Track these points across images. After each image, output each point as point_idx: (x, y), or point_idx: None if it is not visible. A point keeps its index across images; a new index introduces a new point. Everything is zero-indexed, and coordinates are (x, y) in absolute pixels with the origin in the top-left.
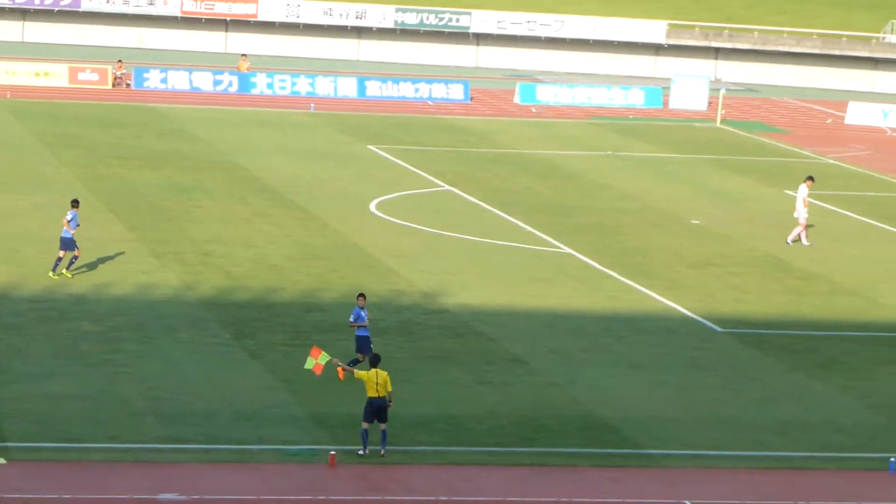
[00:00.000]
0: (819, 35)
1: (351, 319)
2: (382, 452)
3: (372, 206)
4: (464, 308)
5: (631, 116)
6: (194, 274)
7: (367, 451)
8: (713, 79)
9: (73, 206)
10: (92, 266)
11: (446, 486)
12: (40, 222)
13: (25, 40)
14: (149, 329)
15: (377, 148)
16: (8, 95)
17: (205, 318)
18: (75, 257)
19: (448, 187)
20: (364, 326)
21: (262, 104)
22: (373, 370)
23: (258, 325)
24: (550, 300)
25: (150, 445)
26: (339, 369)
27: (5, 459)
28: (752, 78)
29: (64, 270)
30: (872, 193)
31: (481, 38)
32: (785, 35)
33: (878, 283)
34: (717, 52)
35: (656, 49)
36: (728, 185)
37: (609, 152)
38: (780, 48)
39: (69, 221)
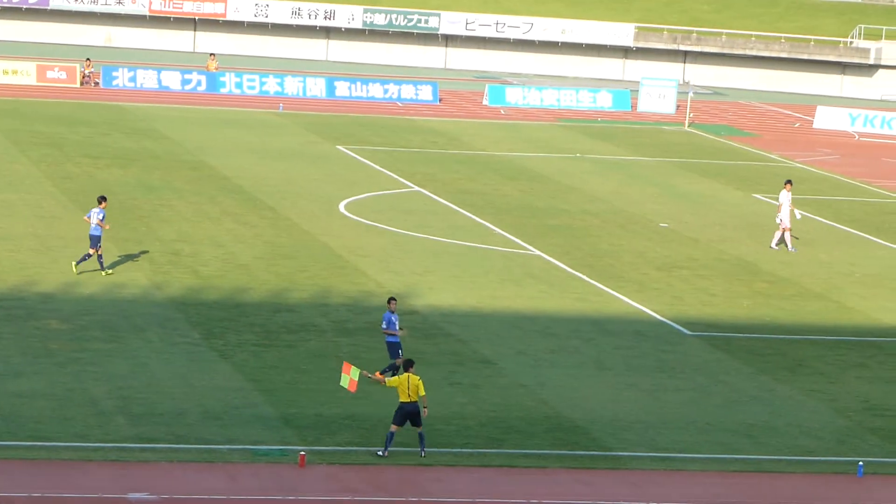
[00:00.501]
0: (787, 39)
1: (384, 326)
2: (423, 454)
3: (341, 207)
4: (433, 309)
5: (599, 119)
6: (163, 273)
7: (386, 453)
8: (681, 82)
9: (100, 203)
10: (60, 265)
11: (417, 487)
12: (8, 221)
13: None
14: (117, 328)
15: (346, 148)
16: None
17: (173, 317)
18: (88, 255)
19: (417, 188)
20: (395, 333)
21: (230, 103)
22: (405, 375)
23: (227, 325)
24: (519, 301)
25: (119, 444)
26: (352, 382)
27: None
28: (719, 81)
29: (73, 264)
30: (840, 198)
31: (450, 40)
32: (753, 39)
33: (845, 287)
34: (686, 56)
35: (625, 52)
36: (696, 188)
37: (577, 155)
38: (748, 52)
39: (101, 219)
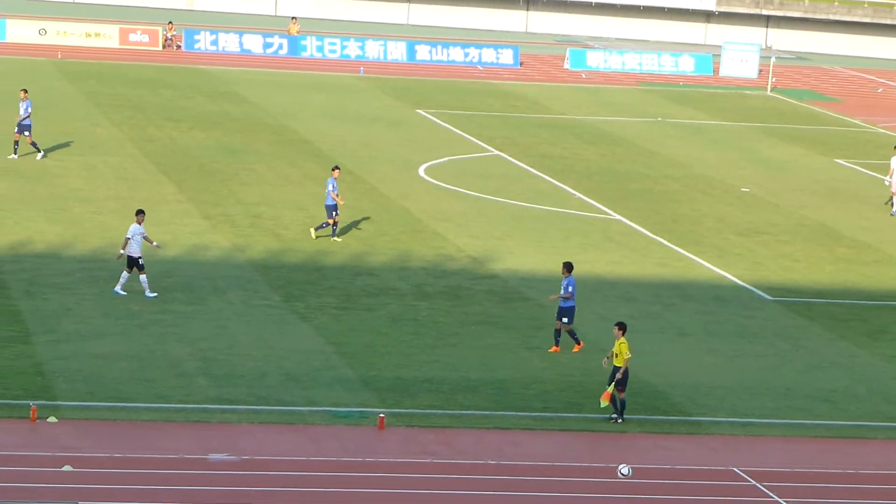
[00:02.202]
0: (870, 4)
1: (563, 292)
2: (619, 420)
3: (420, 171)
4: (512, 273)
5: (681, 83)
6: (244, 236)
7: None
8: (763, 46)
9: (333, 172)
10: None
11: (494, 451)
12: (91, 183)
13: (77, 1)
14: (199, 290)
15: (426, 112)
16: (59, 56)
17: (254, 279)
18: (325, 224)
19: (497, 152)
20: (568, 297)
21: (311, 67)
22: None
23: (307, 288)
24: (599, 266)
25: (200, 406)
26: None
27: (56, 418)
28: (802, 46)
29: (313, 230)
30: None
31: (532, 3)
32: (836, 3)
33: None
34: (768, 20)
35: (707, 16)
36: (778, 153)
37: (659, 119)
38: (831, 16)
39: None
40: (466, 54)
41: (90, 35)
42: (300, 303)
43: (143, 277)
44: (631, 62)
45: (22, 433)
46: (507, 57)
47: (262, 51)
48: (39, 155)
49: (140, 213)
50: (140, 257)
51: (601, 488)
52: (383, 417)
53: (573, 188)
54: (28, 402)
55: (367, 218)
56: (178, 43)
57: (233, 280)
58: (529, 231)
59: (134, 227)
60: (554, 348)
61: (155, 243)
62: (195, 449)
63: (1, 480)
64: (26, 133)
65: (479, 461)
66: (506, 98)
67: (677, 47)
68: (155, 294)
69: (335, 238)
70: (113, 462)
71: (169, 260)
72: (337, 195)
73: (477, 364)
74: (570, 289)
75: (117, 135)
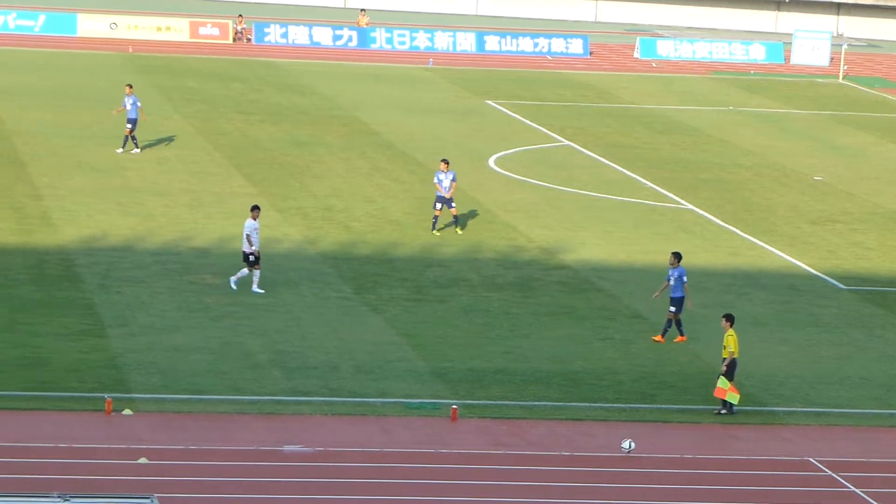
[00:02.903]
0: None
1: (671, 282)
2: (723, 412)
3: (490, 161)
4: (583, 264)
5: (752, 72)
6: (316, 228)
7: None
8: (835, 34)
9: (444, 166)
10: (214, 220)
11: (567, 442)
12: (163, 176)
13: None
14: (271, 283)
15: (496, 103)
16: (130, 50)
17: (326, 272)
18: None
19: (567, 142)
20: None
21: (381, 59)
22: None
23: (378, 280)
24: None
25: (274, 398)
26: (720, 390)
27: (132, 411)
28: (874, 33)
29: (436, 232)
30: None
31: None
32: None
33: None
34: (839, 8)
35: (777, 4)
36: (850, 141)
37: (730, 108)
38: None
39: (443, 183)
40: (536, 44)
41: (161, 29)
42: (371, 294)
43: (256, 272)
44: (701, 51)
45: (97, 426)
46: (576, 46)
47: (331, 43)
48: (135, 150)
49: (255, 208)
50: (252, 252)
51: (673, 479)
52: (456, 409)
53: (644, 178)
54: (103, 394)
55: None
56: (249, 36)
57: (305, 272)
58: (600, 221)
59: (249, 223)
60: (679, 338)
61: (254, 248)
62: (269, 440)
63: (77, 473)
64: (129, 126)
65: (552, 452)
66: (575, 88)
67: (748, 35)
68: (262, 291)
69: (434, 232)
70: (188, 454)
71: (241, 252)
72: (444, 187)
73: (549, 355)
74: (684, 279)
75: (189, 128)
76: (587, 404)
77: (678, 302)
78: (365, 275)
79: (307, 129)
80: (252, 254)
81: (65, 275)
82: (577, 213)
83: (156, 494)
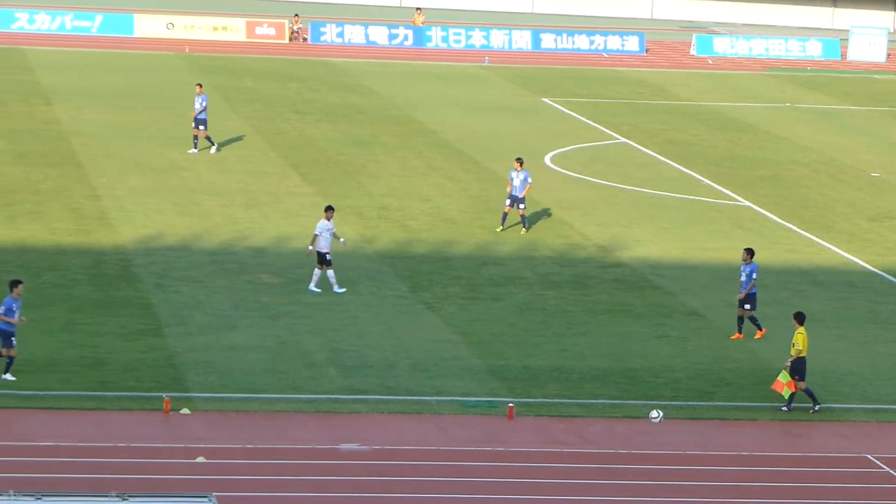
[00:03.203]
0: None
1: (743, 279)
2: (815, 408)
3: (546, 159)
4: (640, 261)
5: (808, 68)
6: (372, 227)
7: (788, 408)
8: (892, 30)
9: (518, 165)
10: (271, 220)
11: (624, 440)
12: (220, 176)
13: None
14: (328, 282)
15: (552, 100)
16: (187, 50)
17: (382, 270)
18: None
19: (623, 140)
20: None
21: (437, 58)
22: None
23: (434, 278)
24: (728, 253)
25: (331, 396)
26: (779, 383)
27: (189, 410)
28: None
29: (499, 229)
30: None
31: None
32: None
33: None
34: None
35: (834, 0)
36: None
37: (786, 104)
38: None
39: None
40: (592, 42)
41: (217, 29)
42: (427, 293)
43: (330, 273)
44: (758, 48)
45: (155, 425)
46: (632, 44)
47: (387, 42)
48: (213, 149)
49: (329, 209)
50: (328, 253)
51: (732, 476)
52: (512, 407)
53: (701, 175)
54: (161, 394)
55: (493, 207)
56: (305, 35)
57: (361, 271)
58: (657, 218)
59: (322, 223)
60: (736, 335)
61: (342, 240)
62: (326, 439)
63: (136, 472)
64: (201, 127)
65: (609, 450)
66: (631, 85)
67: (804, 32)
68: (343, 290)
69: (498, 229)
70: (245, 453)
71: (298, 252)
72: (515, 185)
73: (606, 353)
74: (753, 276)
75: (246, 128)
76: (644, 402)
77: (751, 298)
78: (421, 273)
79: (363, 129)
80: (327, 253)
81: (122, 275)
82: (634, 211)
83: (214, 493)
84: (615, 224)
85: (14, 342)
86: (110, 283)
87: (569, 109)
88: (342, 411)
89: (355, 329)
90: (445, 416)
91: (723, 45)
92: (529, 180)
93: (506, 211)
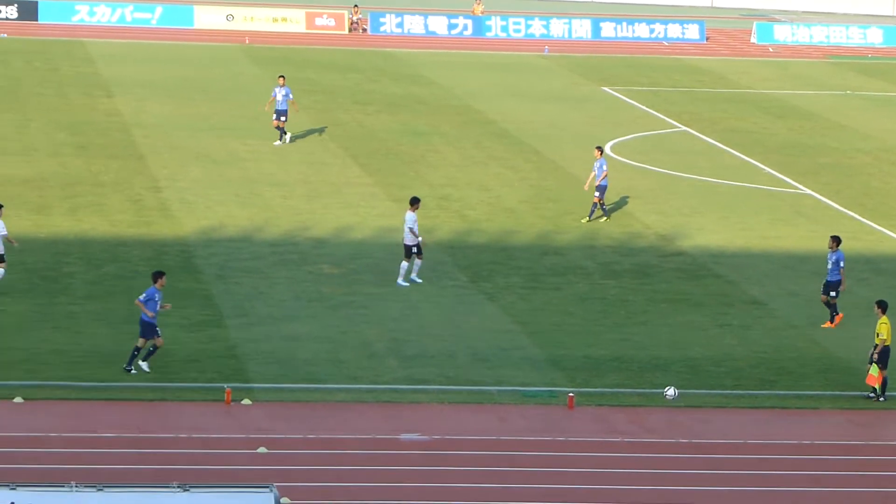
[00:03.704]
0: None
1: (831, 267)
2: (880, 398)
3: (607, 148)
4: (701, 250)
5: (870, 56)
6: (431, 217)
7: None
8: None
9: (599, 154)
10: (331, 211)
11: (685, 429)
12: (280, 167)
13: None
14: (388, 272)
15: (612, 89)
16: (247, 41)
17: (442, 260)
18: (594, 206)
19: (683, 128)
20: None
21: (496, 47)
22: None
23: (494, 268)
24: (789, 241)
25: (391, 386)
26: (872, 377)
27: (251, 400)
28: None
29: (585, 219)
30: None
31: None
32: None
33: None
34: None
35: None
36: None
37: (847, 92)
38: None
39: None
40: (652, 30)
41: (277, 20)
42: (487, 283)
43: (404, 265)
44: (818, 35)
45: (217, 415)
46: (692, 32)
47: (446, 32)
48: (282, 140)
49: (416, 200)
50: (414, 245)
51: (795, 465)
52: (573, 397)
53: (761, 163)
54: (222, 384)
55: (553, 197)
56: (364, 26)
57: (421, 261)
58: (718, 207)
59: (409, 215)
60: (832, 322)
61: (419, 238)
62: (386, 429)
63: (198, 463)
64: (283, 118)
65: (671, 440)
66: (692, 73)
67: (865, 19)
68: (406, 284)
69: (584, 220)
70: (306, 443)
71: (358, 242)
72: (596, 174)
73: (667, 342)
74: (841, 264)
75: (305, 119)
76: (706, 391)
77: (834, 286)
78: (480, 263)
79: (423, 119)
80: (416, 245)
81: (184, 266)
82: (695, 199)
83: (275, 483)
84: (676, 213)
85: (159, 332)
86: (172, 275)
87: (629, 98)
88: (402, 401)
89: (416, 319)
90: (506, 406)
91: (783, 33)
92: (605, 168)
93: (595, 202)
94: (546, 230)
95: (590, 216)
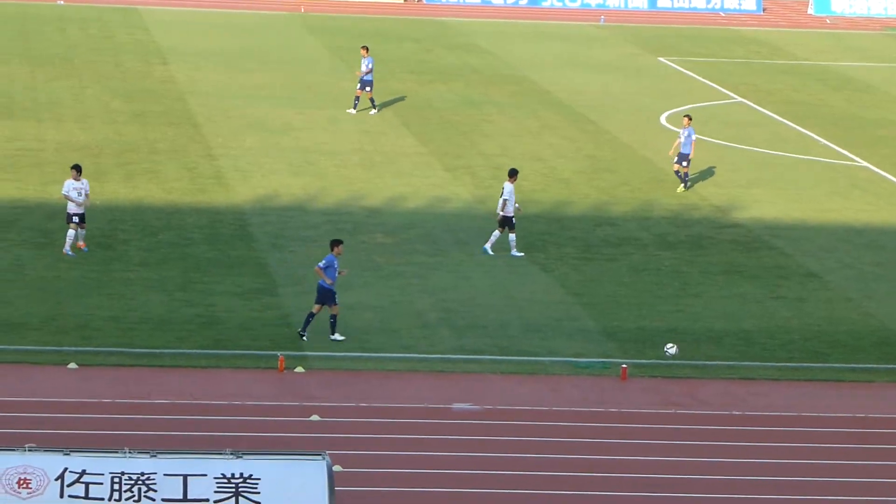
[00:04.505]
0: None
1: None
2: None
3: (662, 119)
4: (757, 222)
5: None
6: (485, 188)
7: None
8: None
9: (688, 122)
10: (385, 180)
11: (739, 401)
12: (335, 136)
13: None
14: (440, 242)
15: (668, 60)
16: (302, 10)
17: (495, 230)
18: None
19: (740, 99)
20: None
21: (552, 17)
22: None
23: (548, 238)
24: (846, 214)
25: (443, 356)
26: None
27: (304, 368)
28: None
29: (681, 188)
30: None
31: None
32: None
33: None
34: None
35: None
36: None
37: None
38: None
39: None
40: (708, 1)
41: None
42: (541, 253)
43: (512, 237)
44: (876, 6)
45: (271, 383)
46: (749, 3)
47: (502, 1)
48: (373, 111)
49: (514, 172)
50: (513, 217)
51: (848, 438)
52: (626, 368)
53: (818, 135)
54: (276, 352)
55: (608, 168)
56: None
57: (474, 231)
58: (774, 179)
59: (508, 186)
60: None
61: (517, 207)
62: (439, 398)
63: (250, 430)
64: (367, 88)
65: (724, 412)
66: (748, 44)
67: None
68: (522, 254)
69: (679, 189)
70: (359, 411)
71: (411, 212)
72: (683, 142)
73: (721, 314)
74: None
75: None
76: (760, 363)
77: None
78: (534, 233)
79: (477, 89)
80: (512, 217)
81: (238, 234)
82: (750, 171)
83: (327, 451)
84: (731, 184)
85: (337, 300)
86: (226, 243)
87: (685, 69)
88: (455, 371)
89: (468, 289)
90: (558, 377)
91: (841, 5)
92: (693, 136)
93: (681, 170)
94: (601, 201)
95: (685, 185)
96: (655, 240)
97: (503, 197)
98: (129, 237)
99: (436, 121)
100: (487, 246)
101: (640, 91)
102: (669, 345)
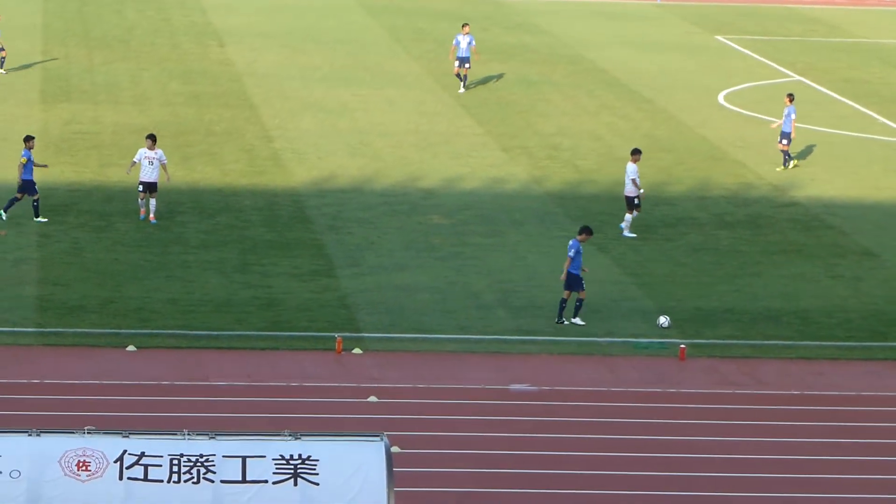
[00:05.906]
0: None
1: None
2: None
3: (720, 98)
4: (813, 200)
5: None
6: (542, 168)
7: None
8: None
9: (790, 101)
10: (441, 160)
11: (798, 381)
12: (391, 117)
13: None
14: (497, 222)
15: (725, 38)
16: None
17: (552, 211)
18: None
19: (798, 77)
20: None
21: None
22: None
23: (605, 219)
24: None
25: (500, 337)
26: None
27: (361, 350)
28: None
29: (781, 168)
30: None
31: None
32: None
33: None
34: None
35: None
36: None
37: None
38: None
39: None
40: None
41: None
42: (598, 233)
43: (628, 217)
44: None
45: (328, 364)
46: None
47: None
48: (461, 90)
49: (636, 152)
50: (636, 197)
51: None
52: (684, 348)
53: (877, 113)
54: (334, 333)
55: (665, 147)
56: None
57: (530, 212)
58: (832, 157)
59: (631, 167)
60: None
61: (641, 191)
62: (496, 379)
63: (309, 411)
64: (466, 65)
65: (783, 391)
66: (806, 23)
67: None
68: (634, 235)
69: (778, 169)
70: (416, 392)
71: (468, 192)
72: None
73: (779, 293)
74: None
75: (416, 69)
76: (818, 343)
77: None
78: (592, 214)
79: (534, 68)
80: (637, 197)
81: (295, 216)
82: (809, 150)
83: (385, 432)
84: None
85: (584, 284)
86: (284, 225)
87: (742, 47)
88: (511, 352)
89: (525, 270)
90: (616, 358)
91: None
92: (793, 115)
93: (781, 149)
94: (658, 180)
95: (784, 164)
96: (713, 219)
97: (629, 177)
98: (186, 219)
99: (492, 100)
100: (629, 231)
101: (697, 69)
102: (662, 318)
